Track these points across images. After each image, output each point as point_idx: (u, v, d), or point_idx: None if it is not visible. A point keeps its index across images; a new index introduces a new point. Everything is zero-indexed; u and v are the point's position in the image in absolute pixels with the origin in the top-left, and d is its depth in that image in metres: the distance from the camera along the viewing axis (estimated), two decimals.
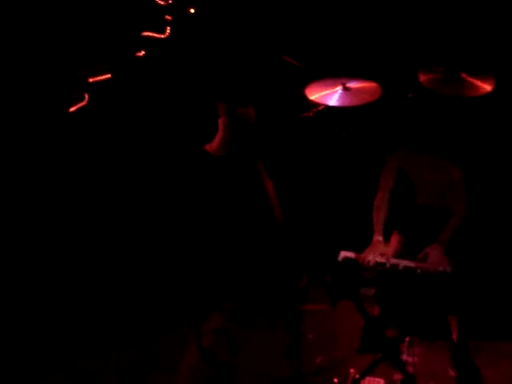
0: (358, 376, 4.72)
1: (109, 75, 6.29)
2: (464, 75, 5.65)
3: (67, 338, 5.51)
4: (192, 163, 5.14)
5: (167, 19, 6.49)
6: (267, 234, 5.10)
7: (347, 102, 5.53)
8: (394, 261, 4.70)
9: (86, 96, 6.24)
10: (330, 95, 5.52)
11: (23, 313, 5.70)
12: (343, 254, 4.77)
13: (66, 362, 5.30)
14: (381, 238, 4.88)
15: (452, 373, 4.91)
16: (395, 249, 5.02)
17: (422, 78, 5.63)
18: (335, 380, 4.85)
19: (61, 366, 5.27)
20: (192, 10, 6.51)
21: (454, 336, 4.94)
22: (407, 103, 5.32)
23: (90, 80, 6.23)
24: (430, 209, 5.12)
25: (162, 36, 6.48)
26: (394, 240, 5.11)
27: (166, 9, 6.50)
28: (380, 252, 4.79)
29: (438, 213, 5.05)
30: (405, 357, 4.75)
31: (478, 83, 5.55)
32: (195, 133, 5.62)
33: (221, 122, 5.20)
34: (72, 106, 6.20)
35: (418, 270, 4.61)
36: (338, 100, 5.51)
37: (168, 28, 6.50)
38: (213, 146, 5.14)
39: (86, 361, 5.29)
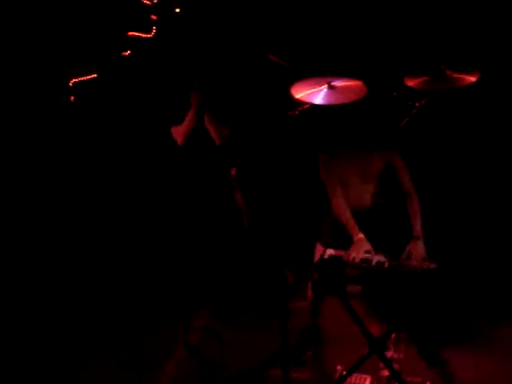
0: (344, 373, 4.73)
1: (95, 75, 6.29)
2: (449, 72, 5.72)
3: (58, 339, 5.50)
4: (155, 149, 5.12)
5: (153, 19, 6.49)
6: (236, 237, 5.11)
7: (333, 101, 5.55)
8: (379, 258, 4.72)
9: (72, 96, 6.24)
10: (315, 94, 5.54)
11: (17, 314, 5.69)
12: (329, 251, 4.79)
13: (57, 363, 5.30)
14: (362, 236, 4.88)
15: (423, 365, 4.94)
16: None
17: (410, 82, 5.69)
18: (322, 377, 4.86)
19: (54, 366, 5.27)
20: (177, 10, 6.51)
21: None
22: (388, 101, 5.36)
23: (76, 80, 6.23)
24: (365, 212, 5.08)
25: (148, 36, 6.48)
26: None
27: (152, 8, 6.50)
28: (365, 249, 4.81)
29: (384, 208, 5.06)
30: (391, 353, 4.77)
31: (464, 76, 5.64)
32: (166, 115, 5.62)
33: (190, 113, 5.15)
34: (57, 106, 6.19)
35: (404, 267, 4.64)
36: (323, 98, 5.53)
37: (154, 28, 6.50)
38: (178, 130, 5.07)
39: (76, 361, 5.29)
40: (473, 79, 5.64)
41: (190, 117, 5.07)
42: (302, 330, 5.11)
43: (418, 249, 4.78)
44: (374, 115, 5.23)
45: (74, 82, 6.24)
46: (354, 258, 4.72)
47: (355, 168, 5.01)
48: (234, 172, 5.05)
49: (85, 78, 6.26)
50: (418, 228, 4.87)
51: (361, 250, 4.79)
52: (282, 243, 5.29)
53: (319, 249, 5.03)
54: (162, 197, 6.02)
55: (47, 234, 6.19)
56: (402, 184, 5.00)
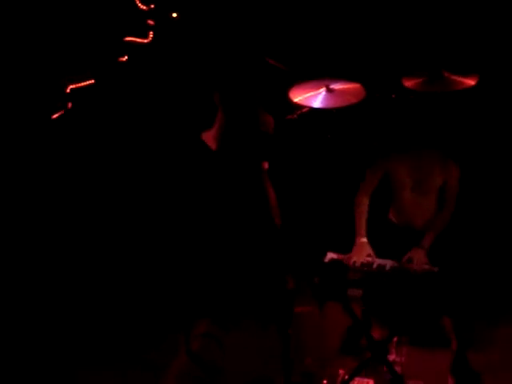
0: (347, 377, 4.71)
1: (92, 81, 6.28)
2: (447, 74, 5.71)
3: (58, 342, 5.48)
4: (188, 157, 5.06)
5: (150, 24, 6.49)
6: (263, 237, 5.05)
7: (331, 104, 5.55)
8: (380, 261, 4.71)
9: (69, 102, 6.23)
10: (313, 97, 5.54)
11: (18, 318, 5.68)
12: (330, 255, 4.78)
13: (60, 369, 5.28)
14: (365, 240, 4.85)
15: (451, 381, 4.89)
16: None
17: (407, 83, 5.68)
18: (324, 381, 4.84)
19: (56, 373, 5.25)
20: (174, 15, 6.51)
21: (453, 344, 4.92)
22: (391, 104, 5.33)
23: (73, 86, 6.22)
24: (406, 229, 5.03)
25: (145, 41, 6.47)
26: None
27: (149, 13, 6.49)
28: (366, 253, 4.79)
29: (414, 235, 4.95)
30: (393, 357, 4.77)
31: (462, 79, 5.62)
32: (192, 123, 5.58)
33: (218, 115, 4.97)
34: (54, 112, 6.18)
35: (405, 271, 4.63)
36: (321, 102, 5.53)
37: (151, 33, 6.49)
38: (209, 135, 5.03)
39: (78, 369, 5.27)
40: (472, 82, 5.62)
41: (218, 119, 5.02)
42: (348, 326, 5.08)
43: (419, 255, 4.75)
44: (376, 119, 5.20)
45: (72, 88, 6.23)
46: (354, 261, 4.72)
47: (413, 177, 4.90)
48: (266, 166, 5.01)
49: (82, 83, 6.25)
50: (427, 242, 4.83)
51: (362, 253, 4.78)
52: (288, 248, 5.26)
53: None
54: (162, 201, 6.00)
55: (47, 238, 6.17)
56: (446, 200, 4.93)
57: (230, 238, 5.00)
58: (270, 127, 5.00)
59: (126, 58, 6.41)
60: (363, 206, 4.97)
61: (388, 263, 4.70)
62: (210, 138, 4.91)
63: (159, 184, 6.08)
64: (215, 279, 5.05)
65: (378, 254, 4.79)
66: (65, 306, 5.76)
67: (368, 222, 4.94)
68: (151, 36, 6.50)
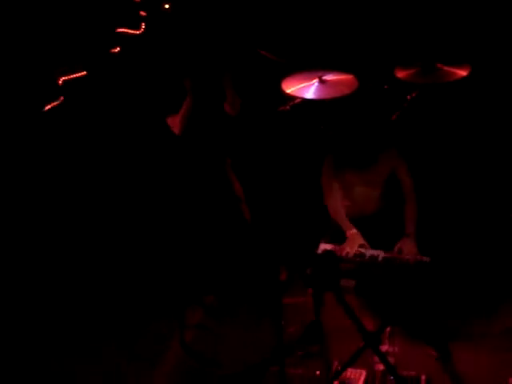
0: (340, 367, 4.72)
1: (84, 72, 6.26)
2: (439, 65, 5.71)
3: (50, 337, 5.48)
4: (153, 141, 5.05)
5: (142, 15, 6.47)
6: (235, 230, 5.07)
7: (324, 95, 5.54)
8: (372, 252, 4.72)
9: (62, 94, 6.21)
10: (306, 88, 5.53)
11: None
12: (323, 246, 4.79)
13: (51, 361, 5.27)
14: (355, 231, 4.88)
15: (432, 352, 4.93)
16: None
17: (400, 74, 5.68)
18: (317, 372, 4.85)
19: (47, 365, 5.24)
20: (166, 6, 6.49)
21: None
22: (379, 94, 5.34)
23: (65, 78, 6.20)
24: (358, 219, 5.04)
25: (137, 32, 6.46)
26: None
27: (141, 5, 6.48)
28: (358, 244, 4.81)
29: (364, 220, 5.00)
30: (386, 347, 4.77)
31: (454, 70, 5.63)
32: (162, 106, 5.57)
33: (186, 100, 5.04)
34: (47, 104, 6.16)
35: (398, 261, 4.64)
36: (314, 93, 5.52)
37: (143, 24, 6.48)
38: (174, 120, 5.00)
39: (69, 359, 5.26)
40: (463, 73, 5.63)
41: (186, 104, 4.99)
42: (306, 325, 5.09)
43: (409, 246, 4.77)
44: (369, 110, 5.20)
45: (64, 79, 6.21)
46: (347, 252, 4.72)
47: (360, 176, 4.96)
48: (229, 161, 5.02)
49: (74, 75, 6.24)
50: (410, 226, 4.87)
51: (354, 244, 4.80)
52: (279, 239, 5.27)
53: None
54: (154, 194, 6.00)
55: (38, 235, 6.16)
56: (403, 188, 4.97)
57: (205, 227, 5.02)
58: (236, 109, 5.01)
59: (118, 49, 6.39)
60: (335, 205, 5.02)
61: (381, 254, 4.71)
62: (175, 122, 4.91)
63: (149, 177, 6.08)
64: (207, 270, 5.06)
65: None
66: (50, 298, 5.75)
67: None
68: (143, 27, 6.48)
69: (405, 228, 4.88)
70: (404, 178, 4.98)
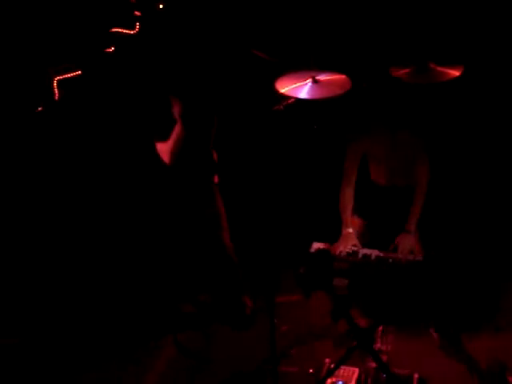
0: (332, 366, 4.74)
1: (78, 72, 6.26)
2: (433, 65, 5.73)
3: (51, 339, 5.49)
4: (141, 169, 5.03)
5: (136, 15, 6.47)
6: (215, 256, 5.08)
7: (317, 95, 5.54)
8: (365, 251, 4.74)
9: (56, 94, 6.21)
10: (299, 88, 5.53)
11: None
12: (316, 245, 4.81)
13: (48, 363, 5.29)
14: (351, 230, 4.91)
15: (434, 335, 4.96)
16: (359, 232, 5.05)
17: (394, 74, 5.71)
18: (310, 370, 4.87)
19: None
20: (161, 6, 6.50)
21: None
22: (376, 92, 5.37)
23: (59, 77, 6.20)
24: (392, 189, 5.12)
25: (132, 32, 6.46)
26: (356, 224, 5.13)
27: (135, 4, 6.48)
28: (351, 244, 4.83)
29: (399, 192, 5.07)
30: (378, 345, 4.80)
31: (447, 70, 5.65)
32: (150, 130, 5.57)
33: (175, 129, 4.93)
34: (40, 104, 6.16)
35: (390, 260, 4.66)
36: (308, 93, 5.52)
37: (137, 24, 6.48)
38: (163, 148, 4.92)
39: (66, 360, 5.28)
40: (457, 73, 5.66)
41: (176, 133, 4.93)
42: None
43: (406, 242, 4.80)
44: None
45: (58, 79, 6.21)
46: (340, 251, 4.75)
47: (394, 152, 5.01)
48: (216, 179, 4.99)
49: (68, 75, 6.24)
50: (412, 222, 4.89)
51: (347, 243, 4.82)
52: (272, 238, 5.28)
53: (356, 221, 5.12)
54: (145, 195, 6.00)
55: (32, 233, 6.16)
56: (418, 179, 5.01)
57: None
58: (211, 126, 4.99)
59: (113, 49, 6.40)
60: (348, 197, 5.05)
61: (373, 253, 4.73)
62: (164, 151, 4.83)
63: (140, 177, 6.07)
64: (200, 270, 5.08)
65: (367, 217, 4.92)
66: (46, 301, 5.75)
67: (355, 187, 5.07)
68: (138, 27, 6.48)
69: (406, 222, 4.91)
70: (421, 169, 4.99)
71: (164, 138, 4.81)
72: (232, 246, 5.11)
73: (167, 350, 5.27)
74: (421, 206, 4.96)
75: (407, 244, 4.80)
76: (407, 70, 5.72)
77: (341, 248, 4.80)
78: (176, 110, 4.82)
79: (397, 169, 5.11)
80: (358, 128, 5.19)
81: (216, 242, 5.04)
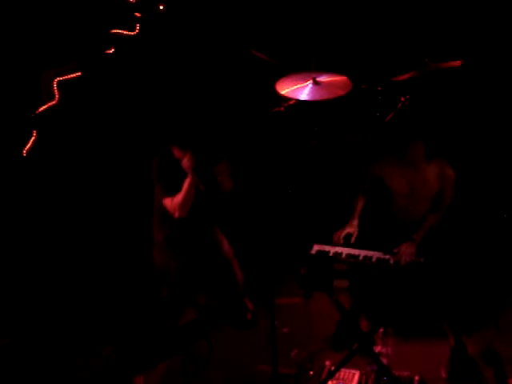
0: (333, 368, 4.74)
1: (78, 73, 6.27)
2: (433, 64, 5.76)
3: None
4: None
5: (136, 16, 6.48)
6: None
7: (318, 96, 5.54)
8: (366, 253, 4.74)
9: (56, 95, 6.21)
10: (300, 90, 5.54)
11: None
12: (316, 247, 4.80)
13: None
14: (355, 222, 4.96)
15: (444, 374, 4.91)
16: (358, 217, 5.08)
17: (401, 79, 5.76)
18: (311, 372, 4.87)
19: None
20: (161, 7, 6.51)
21: (451, 340, 4.95)
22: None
23: (60, 78, 6.20)
24: (401, 222, 5.04)
25: (132, 33, 6.47)
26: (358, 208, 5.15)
27: (135, 6, 6.49)
28: (347, 231, 4.87)
29: (406, 227, 4.98)
30: (379, 348, 4.79)
31: (447, 65, 5.69)
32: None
33: (187, 180, 4.66)
34: (41, 105, 6.16)
35: (391, 261, 4.65)
36: (308, 94, 5.52)
37: (137, 25, 6.49)
38: (174, 203, 4.70)
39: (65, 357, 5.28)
40: (457, 64, 5.69)
41: (188, 186, 4.63)
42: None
43: (409, 250, 4.77)
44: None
45: (58, 80, 6.21)
46: (337, 236, 4.77)
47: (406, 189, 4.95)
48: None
49: (69, 76, 6.24)
50: (420, 234, 4.85)
51: (344, 230, 4.84)
52: (274, 239, 5.27)
53: None
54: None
55: (30, 234, 6.16)
56: (442, 197, 4.94)
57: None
58: (228, 188, 4.90)
59: (113, 50, 6.40)
60: (359, 204, 5.08)
61: (374, 255, 4.72)
62: (175, 205, 4.63)
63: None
64: (202, 271, 5.07)
65: (374, 244, 4.83)
66: (46, 298, 5.75)
67: (366, 214, 5.06)
68: (138, 28, 6.49)
69: (416, 232, 4.88)
70: (447, 193, 4.93)
71: (173, 192, 4.72)
72: (231, 250, 5.07)
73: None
74: (436, 223, 4.92)
75: (409, 251, 4.77)
76: (412, 73, 5.75)
77: (338, 233, 4.82)
78: (186, 163, 4.70)
79: (413, 202, 4.98)
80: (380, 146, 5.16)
81: (215, 249, 5.01)
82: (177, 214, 4.66)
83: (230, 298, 5.05)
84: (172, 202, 4.66)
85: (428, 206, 4.95)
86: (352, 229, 4.92)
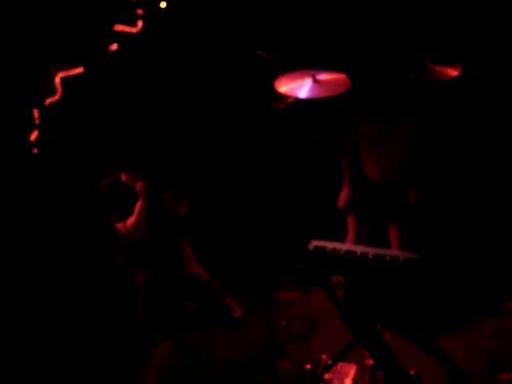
0: (330, 362, 4.77)
1: (81, 69, 6.30)
2: (432, 66, 5.78)
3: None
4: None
5: (139, 13, 6.51)
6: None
7: (317, 94, 5.56)
8: (363, 249, 4.77)
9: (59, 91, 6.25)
10: (299, 87, 5.55)
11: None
12: (314, 243, 4.84)
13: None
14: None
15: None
16: (353, 232, 5.13)
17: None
18: (308, 366, 4.90)
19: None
20: (163, 4, 6.53)
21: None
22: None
23: (63, 75, 6.24)
24: (386, 185, 5.20)
25: (134, 30, 6.49)
26: (350, 223, 5.22)
27: (138, 3, 6.51)
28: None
29: (393, 187, 5.15)
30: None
31: (446, 71, 5.71)
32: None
33: (139, 203, 4.73)
34: (43, 102, 6.19)
35: (387, 257, 4.69)
36: (307, 92, 5.54)
37: (140, 22, 6.51)
38: (128, 226, 4.75)
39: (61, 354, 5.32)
40: (455, 73, 5.69)
41: (140, 209, 4.71)
42: None
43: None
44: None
45: (61, 77, 6.25)
46: (338, 248, 4.79)
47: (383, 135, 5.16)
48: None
49: (72, 72, 6.27)
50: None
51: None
52: (271, 235, 5.31)
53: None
54: None
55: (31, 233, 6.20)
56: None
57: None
58: (184, 210, 4.93)
59: (116, 46, 6.43)
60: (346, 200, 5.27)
61: (371, 251, 4.75)
62: (128, 228, 4.71)
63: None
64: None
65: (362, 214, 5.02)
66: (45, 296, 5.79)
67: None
68: (140, 25, 6.51)
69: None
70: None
71: (124, 217, 4.76)
72: (201, 270, 5.11)
73: (165, 344, 5.29)
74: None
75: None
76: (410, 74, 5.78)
77: None
78: (140, 187, 4.71)
79: (389, 161, 5.14)
80: (356, 116, 5.23)
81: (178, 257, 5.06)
82: (132, 238, 4.75)
83: (206, 301, 5.05)
84: (125, 227, 4.74)
85: (407, 155, 5.14)
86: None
